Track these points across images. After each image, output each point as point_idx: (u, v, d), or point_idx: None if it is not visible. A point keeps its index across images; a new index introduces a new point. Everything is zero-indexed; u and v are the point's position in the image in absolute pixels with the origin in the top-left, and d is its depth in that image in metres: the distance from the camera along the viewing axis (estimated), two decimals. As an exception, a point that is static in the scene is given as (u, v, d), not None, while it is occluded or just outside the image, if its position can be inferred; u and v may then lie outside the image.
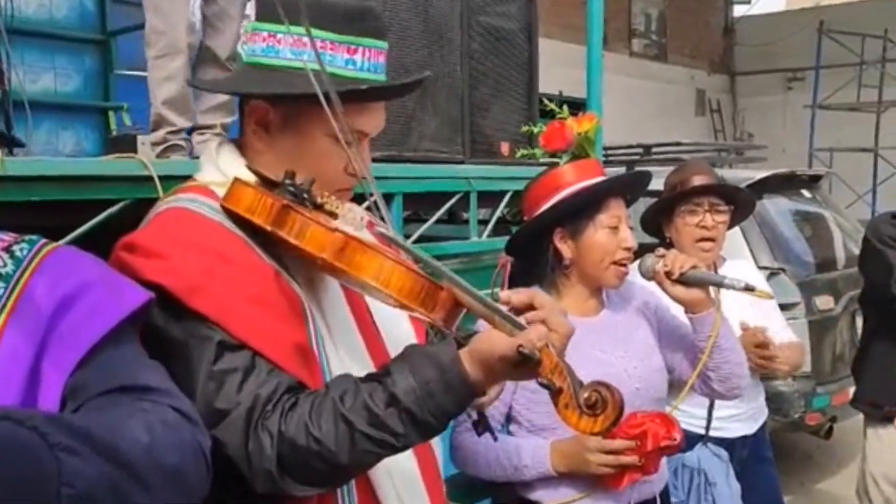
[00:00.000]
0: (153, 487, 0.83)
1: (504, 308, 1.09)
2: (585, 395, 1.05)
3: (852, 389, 2.86)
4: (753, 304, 2.50)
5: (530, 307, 1.12)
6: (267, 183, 1.19)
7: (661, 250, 1.82)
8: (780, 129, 12.76)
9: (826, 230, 5.05)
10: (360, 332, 1.25)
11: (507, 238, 3.45)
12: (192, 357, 1.08)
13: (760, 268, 4.12)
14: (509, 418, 1.83)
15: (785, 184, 4.92)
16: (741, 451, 2.39)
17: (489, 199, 3.11)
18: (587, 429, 1.05)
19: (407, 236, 2.85)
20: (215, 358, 1.08)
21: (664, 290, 1.78)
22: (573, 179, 1.79)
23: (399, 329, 1.29)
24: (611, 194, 1.79)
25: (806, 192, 5.14)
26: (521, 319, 1.09)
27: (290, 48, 1.19)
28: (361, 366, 1.19)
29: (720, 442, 2.33)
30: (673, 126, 11.54)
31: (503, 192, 3.08)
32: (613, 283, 1.81)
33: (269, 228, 1.12)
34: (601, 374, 1.69)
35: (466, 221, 3.10)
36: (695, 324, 1.79)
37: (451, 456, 1.82)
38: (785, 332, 2.50)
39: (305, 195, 1.14)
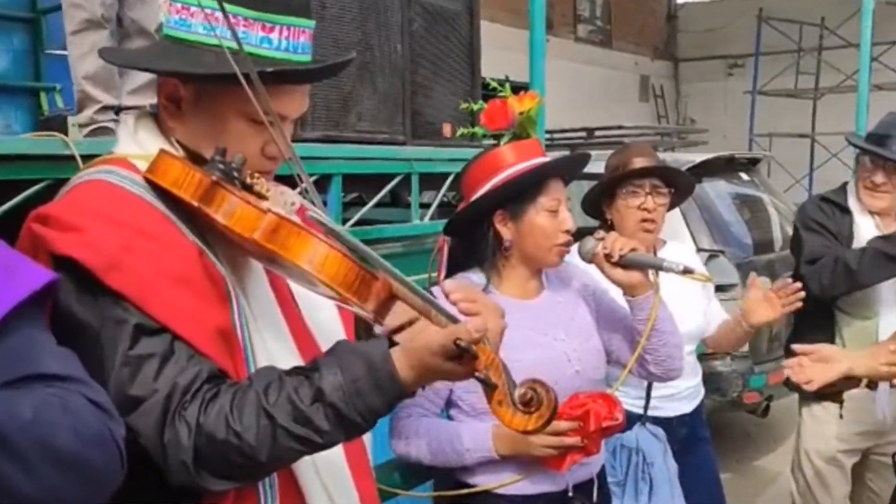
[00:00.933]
0: (37, 469, 0.78)
1: (439, 302, 1.06)
2: (520, 392, 1.03)
3: (788, 369, 2.93)
4: (696, 286, 2.54)
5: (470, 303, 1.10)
6: (194, 158, 1.14)
7: (601, 233, 1.81)
8: (721, 115, 12.99)
9: (764, 213, 5.16)
10: (284, 316, 1.20)
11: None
12: (107, 341, 1.02)
13: (700, 250, 4.19)
14: (449, 402, 1.81)
15: (725, 167, 5.01)
16: (679, 431, 2.41)
17: (432, 181, 3.08)
18: (520, 426, 1.03)
19: (347, 220, 2.81)
20: (132, 342, 1.02)
21: (603, 272, 1.78)
22: (513, 160, 1.75)
23: (322, 313, 1.24)
24: (551, 176, 1.77)
25: (745, 176, 5.24)
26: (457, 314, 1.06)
27: (203, 23, 1.12)
28: (286, 349, 1.15)
29: (658, 421, 2.34)
30: (618, 111, 11.63)
31: (446, 175, 3.06)
32: (554, 263, 1.80)
33: (196, 204, 1.06)
34: (541, 356, 1.74)
35: (410, 204, 3.07)
36: (633, 306, 1.79)
37: (390, 442, 1.79)
38: (720, 315, 2.54)
39: (236, 174, 1.09)
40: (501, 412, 1.03)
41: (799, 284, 2.17)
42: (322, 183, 2.49)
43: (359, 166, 2.67)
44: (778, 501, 4.12)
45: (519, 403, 1.02)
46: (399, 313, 1.06)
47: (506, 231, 1.78)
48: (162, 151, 1.11)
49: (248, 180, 1.10)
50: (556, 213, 1.75)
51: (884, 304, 2.54)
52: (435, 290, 1.82)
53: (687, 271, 1.74)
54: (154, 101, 2.94)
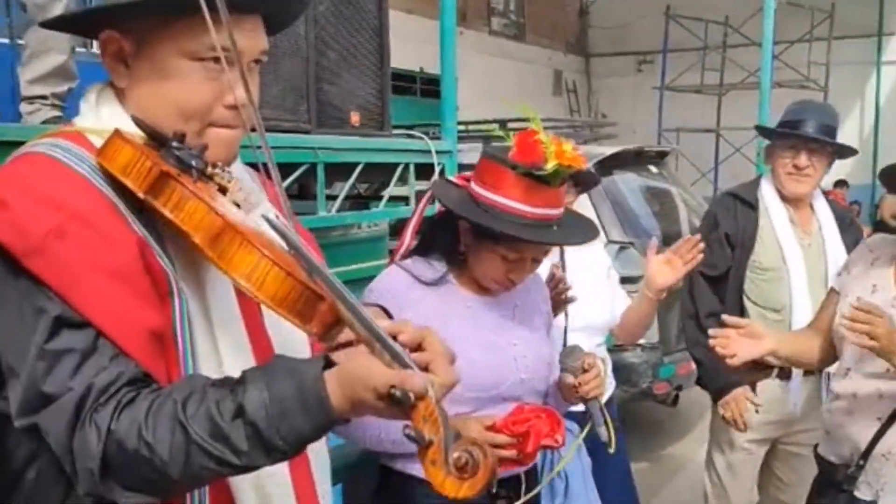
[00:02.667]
0: None
1: (388, 337, 0.95)
2: (455, 455, 0.92)
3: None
4: (602, 279, 2.54)
5: (419, 347, 0.99)
6: (156, 139, 1.03)
7: (589, 361, 1.77)
8: (631, 110, 13.23)
9: (672, 205, 5.25)
10: (244, 318, 1.09)
11: (358, 213, 3.37)
12: (24, 327, 0.94)
13: (611, 241, 4.23)
14: None
15: (634, 160, 5.07)
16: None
17: (340, 171, 2.97)
18: (451, 492, 0.92)
19: (250, 211, 2.67)
20: (49, 335, 0.94)
21: (562, 385, 1.79)
22: (521, 197, 1.60)
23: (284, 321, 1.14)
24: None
25: (654, 169, 5.32)
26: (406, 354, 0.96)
27: None
28: (240, 355, 1.06)
29: (571, 416, 2.32)
30: (532, 105, 11.63)
31: (354, 165, 2.96)
32: (492, 291, 1.75)
33: (141, 196, 0.98)
34: (490, 358, 1.70)
35: (316, 196, 2.95)
36: (558, 398, 1.82)
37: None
38: (625, 303, 2.54)
39: (194, 162, 1.00)
40: (433, 472, 0.92)
41: (698, 237, 2.14)
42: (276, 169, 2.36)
43: (261, 155, 2.54)
44: (687, 489, 4.20)
45: (453, 467, 0.92)
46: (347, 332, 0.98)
47: (463, 240, 1.72)
48: (115, 133, 1.01)
49: (209, 170, 1.01)
50: (513, 262, 1.68)
51: (797, 297, 2.59)
52: (391, 268, 1.76)
53: (608, 443, 1.78)
54: (58, 88, 2.76)
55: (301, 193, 3.34)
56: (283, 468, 1.09)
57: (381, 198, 3.50)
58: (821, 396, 2.58)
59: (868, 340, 1.78)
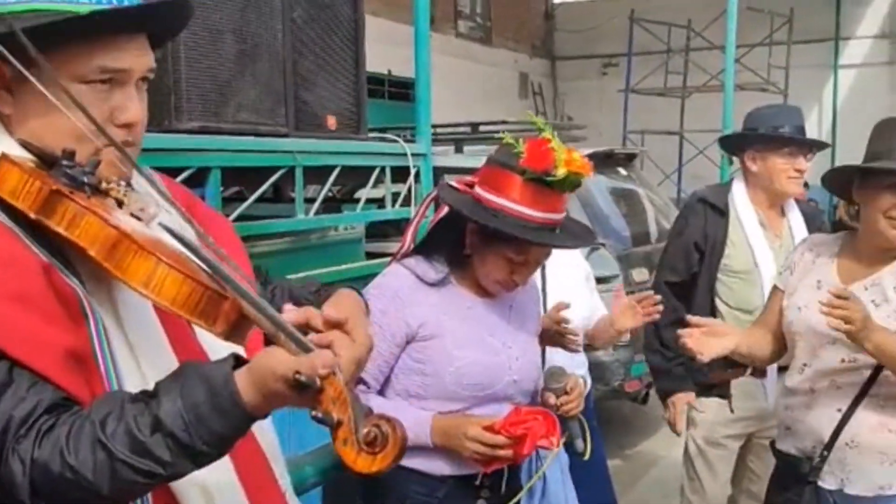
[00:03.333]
0: None
1: (291, 326, 0.97)
2: (365, 430, 0.94)
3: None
4: (581, 285, 2.60)
5: (337, 326, 1.01)
6: (47, 162, 1.03)
7: (571, 383, 1.86)
8: (596, 112, 13.36)
9: (640, 206, 5.34)
10: (168, 333, 1.10)
11: (335, 216, 3.38)
12: None
13: (583, 243, 4.27)
14: (386, 380, 1.80)
15: (603, 162, 5.14)
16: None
17: (317, 175, 2.98)
18: (364, 468, 0.95)
19: (227, 216, 2.67)
20: None
21: (542, 395, 1.87)
22: (528, 202, 1.66)
23: None
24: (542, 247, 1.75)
25: (622, 171, 5.41)
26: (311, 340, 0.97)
27: None
28: (162, 371, 1.04)
29: (550, 414, 2.36)
30: (498, 108, 11.76)
31: (331, 168, 2.97)
32: (492, 293, 1.81)
33: (33, 216, 0.97)
34: (484, 359, 1.76)
35: (294, 199, 2.96)
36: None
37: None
38: (601, 310, 2.61)
39: (86, 178, 1.00)
40: (346, 451, 0.95)
41: (658, 297, 2.32)
42: (199, 177, 2.35)
43: (239, 159, 2.54)
44: (659, 484, 4.27)
45: (364, 443, 0.94)
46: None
47: (469, 242, 1.77)
48: (2, 157, 1.00)
49: (104, 185, 1.01)
50: (517, 265, 1.74)
51: (764, 300, 2.66)
52: (394, 267, 1.81)
53: (582, 454, 1.90)
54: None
55: (277, 196, 3.35)
56: (235, 481, 1.11)
57: (355, 200, 3.51)
58: None
59: (845, 325, 1.85)
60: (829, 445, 2.02)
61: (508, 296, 1.85)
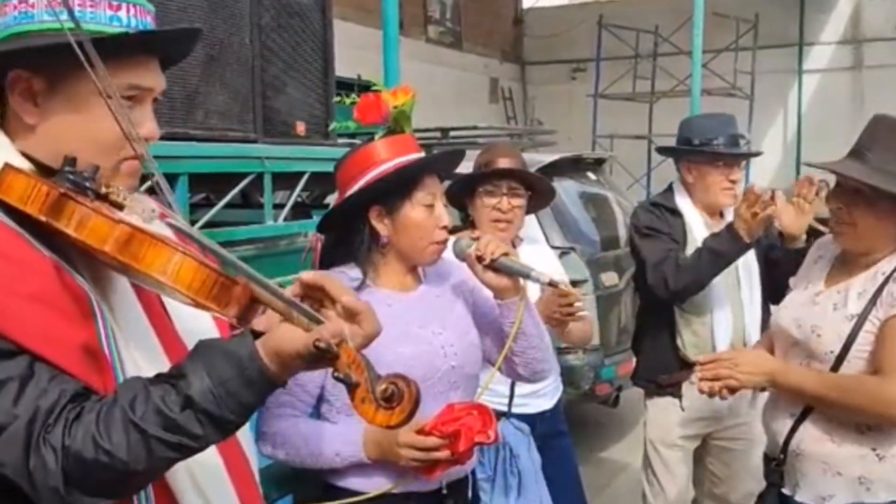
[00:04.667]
0: None
1: (302, 303, 1.06)
2: (381, 388, 1.04)
3: (635, 360, 3.05)
4: (549, 256, 2.60)
5: (322, 292, 1.09)
6: (44, 170, 1.10)
7: (477, 233, 1.82)
8: (566, 117, 13.45)
9: (610, 211, 5.38)
10: (155, 331, 1.17)
11: (305, 222, 3.36)
12: None
13: (552, 247, 4.30)
14: (321, 398, 1.75)
15: (572, 167, 5.18)
16: (541, 426, 2.45)
17: (286, 181, 2.98)
18: (384, 422, 1.04)
19: (194, 222, 2.65)
20: None
21: (474, 272, 1.77)
22: (388, 156, 1.73)
23: (198, 324, 1.20)
24: (427, 172, 1.75)
25: (591, 175, 5.44)
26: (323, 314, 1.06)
27: (46, 10, 1.10)
28: (156, 363, 1.12)
29: (522, 418, 2.37)
30: (468, 112, 11.81)
31: (300, 174, 2.96)
32: (430, 261, 1.79)
33: (43, 219, 1.02)
34: (418, 350, 1.72)
35: (262, 205, 2.95)
36: (502, 309, 1.79)
37: (258, 443, 1.71)
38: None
39: (88, 183, 1.05)
40: (364, 409, 1.04)
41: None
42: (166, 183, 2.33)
43: (207, 165, 2.53)
44: (628, 488, 4.30)
45: (381, 400, 1.03)
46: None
47: (382, 227, 1.75)
48: (6, 166, 1.06)
49: (103, 189, 1.06)
50: (432, 207, 1.74)
51: (716, 303, 2.69)
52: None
53: (552, 284, 1.78)
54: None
55: (245, 203, 3.33)
56: (221, 469, 1.19)
57: (325, 206, 3.50)
58: (748, 392, 2.67)
59: (724, 390, 1.89)
60: (784, 450, 2.01)
61: (429, 284, 1.83)
